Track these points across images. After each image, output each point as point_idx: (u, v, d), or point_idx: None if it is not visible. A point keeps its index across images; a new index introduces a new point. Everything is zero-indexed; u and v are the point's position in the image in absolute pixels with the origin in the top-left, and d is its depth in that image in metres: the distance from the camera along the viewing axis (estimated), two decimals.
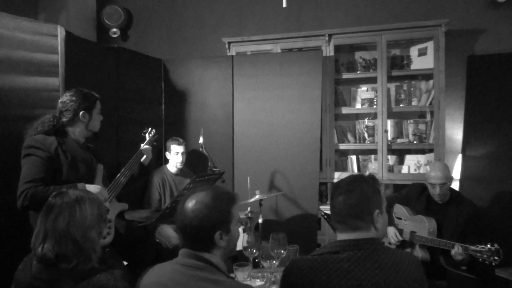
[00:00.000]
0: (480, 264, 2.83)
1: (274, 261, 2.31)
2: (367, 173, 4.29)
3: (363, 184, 1.66)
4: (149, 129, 3.42)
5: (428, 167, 3.32)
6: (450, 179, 3.19)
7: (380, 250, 1.59)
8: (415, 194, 3.36)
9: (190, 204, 1.60)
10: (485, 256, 2.77)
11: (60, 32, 3.24)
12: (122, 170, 2.92)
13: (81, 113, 2.68)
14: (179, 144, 3.99)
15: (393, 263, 1.56)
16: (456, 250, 2.88)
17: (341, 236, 1.64)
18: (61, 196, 1.76)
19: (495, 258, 2.73)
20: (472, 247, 2.82)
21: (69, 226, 1.69)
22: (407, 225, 3.26)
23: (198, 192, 1.65)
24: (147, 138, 3.32)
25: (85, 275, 1.65)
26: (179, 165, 4.00)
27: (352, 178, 1.70)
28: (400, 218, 3.34)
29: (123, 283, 1.66)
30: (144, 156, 3.24)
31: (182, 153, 3.99)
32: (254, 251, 2.40)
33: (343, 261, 1.54)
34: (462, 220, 3.10)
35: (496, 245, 2.76)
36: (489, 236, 3.06)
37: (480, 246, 2.80)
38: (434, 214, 3.18)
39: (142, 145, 3.25)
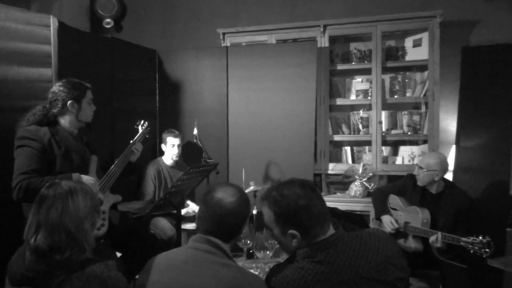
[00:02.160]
0: (467, 254, 2.87)
1: (268, 252, 2.32)
2: (361, 164, 4.31)
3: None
4: (142, 121, 3.39)
5: (440, 160, 3.35)
6: (429, 167, 3.20)
7: (347, 239, 1.57)
8: (410, 185, 3.38)
9: (226, 196, 1.68)
10: (476, 248, 2.80)
11: (53, 22, 3.21)
12: (116, 162, 2.92)
13: (69, 102, 2.65)
14: (175, 136, 3.98)
15: (366, 246, 1.55)
16: (433, 239, 2.94)
17: (315, 239, 1.56)
18: (54, 187, 1.76)
19: (486, 250, 2.77)
20: (464, 239, 2.85)
21: (62, 217, 1.69)
22: (401, 216, 3.29)
23: (225, 185, 1.74)
24: (140, 131, 3.30)
25: (79, 266, 1.65)
26: (175, 157, 4.00)
27: (290, 182, 1.64)
28: (395, 209, 3.36)
29: (116, 273, 1.66)
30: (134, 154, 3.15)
31: (178, 145, 3.99)
32: (248, 242, 2.41)
33: (319, 264, 1.50)
34: (454, 212, 3.13)
35: (487, 238, 2.79)
36: (481, 226, 3.08)
37: (472, 238, 2.83)
38: (429, 205, 3.21)
39: (134, 139, 3.20)
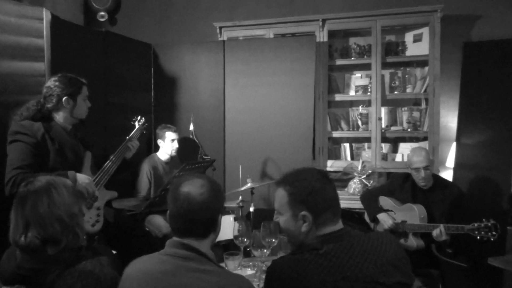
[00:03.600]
0: (467, 248, 2.89)
1: (265, 250, 2.32)
2: (360, 161, 4.32)
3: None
4: (139, 117, 3.39)
5: (409, 153, 3.38)
6: (432, 162, 3.25)
7: (355, 237, 1.59)
8: (398, 184, 3.41)
9: (194, 188, 1.61)
10: (482, 233, 2.81)
11: (46, 15, 3.20)
12: (111, 157, 2.91)
13: (64, 98, 2.65)
14: (174, 131, 4.00)
15: (372, 247, 1.56)
16: (437, 232, 2.95)
17: (325, 230, 1.60)
18: (32, 184, 1.76)
19: (493, 233, 2.78)
20: (468, 226, 2.87)
21: (51, 208, 1.70)
22: (397, 216, 3.30)
23: (191, 178, 1.66)
24: (136, 127, 3.30)
25: (72, 261, 1.66)
26: (174, 152, 4.01)
27: (316, 170, 1.68)
28: (387, 210, 3.36)
29: (110, 269, 1.67)
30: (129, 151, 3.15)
31: (177, 140, 4.00)
32: (245, 240, 2.41)
33: (323, 257, 1.51)
34: (448, 204, 3.16)
35: (492, 220, 2.80)
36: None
37: (476, 224, 2.84)
38: (421, 201, 3.23)
39: (130, 135, 3.20)
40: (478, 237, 2.83)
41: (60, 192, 1.75)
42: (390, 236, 1.66)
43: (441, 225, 2.97)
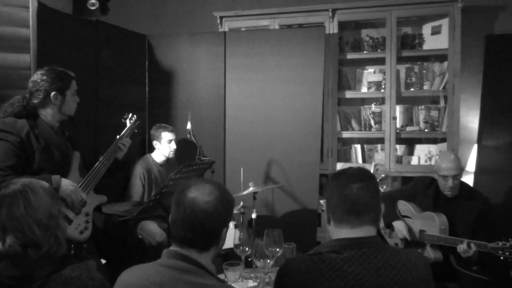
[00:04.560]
0: (491, 264, 2.87)
1: (268, 261, 2.32)
2: (372, 164, 4.32)
3: (373, 175, 1.73)
4: (130, 114, 3.39)
5: (437, 158, 3.34)
6: (462, 170, 3.22)
7: (383, 248, 1.60)
8: (421, 189, 3.37)
9: (201, 195, 1.60)
10: (507, 253, 2.79)
11: (32, 3, 3.21)
12: (101, 158, 2.92)
13: (52, 93, 2.66)
14: (171, 131, 3.99)
15: (398, 263, 1.57)
16: (464, 247, 2.92)
17: (342, 233, 1.63)
18: (7, 187, 1.76)
19: None
20: (491, 245, 2.85)
21: (28, 211, 1.71)
22: (415, 224, 3.28)
23: (200, 183, 1.66)
24: (127, 125, 3.30)
25: (57, 267, 1.66)
26: (171, 154, 4.00)
27: (360, 168, 1.73)
28: (406, 216, 3.35)
29: (98, 274, 1.68)
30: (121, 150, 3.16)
31: (174, 140, 4.00)
32: (247, 249, 2.41)
33: (343, 261, 1.54)
34: (474, 216, 3.12)
35: None
36: (503, 232, 3.09)
37: (501, 243, 2.83)
38: (443, 210, 3.20)
39: (121, 134, 3.20)
40: (501, 258, 2.82)
41: (37, 194, 1.75)
42: (420, 256, 1.67)
43: (466, 241, 2.93)
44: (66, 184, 2.54)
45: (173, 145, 3.99)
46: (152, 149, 4.10)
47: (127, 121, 3.35)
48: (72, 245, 2.50)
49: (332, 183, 1.71)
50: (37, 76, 2.68)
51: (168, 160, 4.05)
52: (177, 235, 1.62)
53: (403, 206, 3.38)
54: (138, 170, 3.89)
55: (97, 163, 2.88)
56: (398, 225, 3.29)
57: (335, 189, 1.68)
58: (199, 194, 1.60)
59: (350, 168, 1.73)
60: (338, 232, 1.65)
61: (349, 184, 1.64)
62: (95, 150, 3.71)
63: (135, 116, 3.40)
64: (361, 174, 1.68)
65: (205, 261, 1.60)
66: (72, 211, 2.61)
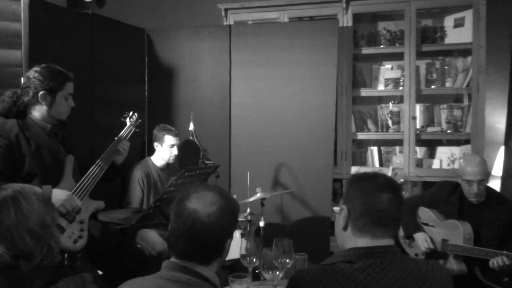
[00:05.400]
0: None
1: (277, 272, 2.31)
2: (390, 168, 4.30)
3: (400, 187, 1.72)
4: (130, 113, 3.39)
5: (462, 161, 3.32)
6: (489, 175, 3.19)
7: (401, 259, 1.60)
8: (444, 195, 3.35)
9: (202, 206, 1.59)
10: None
11: None
12: (97, 162, 2.92)
13: (41, 93, 2.66)
14: (175, 135, 3.98)
15: (417, 275, 1.56)
16: (499, 262, 2.88)
17: (360, 242, 1.63)
18: None
19: None
20: None
21: (20, 218, 1.70)
22: (437, 232, 3.27)
23: (201, 191, 1.64)
24: (127, 124, 3.30)
25: (50, 279, 1.67)
26: (172, 160, 4.00)
27: (389, 178, 1.73)
28: (427, 224, 3.33)
29: (94, 287, 1.68)
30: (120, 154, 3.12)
31: (177, 145, 3.99)
32: (254, 260, 2.40)
33: (358, 271, 1.54)
34: (502, 225, 3.10)
35: None
36: None
37: None
38: (468, 218, 3.18)
39: (120, 134, 3.20)
40: None
41: (30, 200, 1.75)
42: (442, 269, 1.66)
43: (502, 253, 2.90)
44: (57, 194, 2.54)
45: (175, 151, 3.98)
46: (152, 151, 4.11)
47: (127, 120, 3.34)
48: (66, 256, 2.50)
49: (355, 188, 1.69)
50: (31, 72, 2.70)
51: (169, 164, 4.06)
52: (176, 247, 1.62)
53: (425, 213, 3.36)
54: (137, 175, 3.89)
55: (93, 166, 2.87)
56: (419, 237, 3.27)
57: (360, 196, 1.65)
58: (200, 204, 1.59)
59: (375, 173, 1.71)
60: (355, 241, 1.64)
61: (378, 194, 1.63)
62: (91, 153, 3.73)
63: (136, 114, 3.39)
64: (390, 184, 1.67)
65: (208, 274, 1.60)
66: (65, 219, 2.62)
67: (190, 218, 1.57)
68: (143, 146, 4.49)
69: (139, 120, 3.39)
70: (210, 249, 1.60)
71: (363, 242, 1.62)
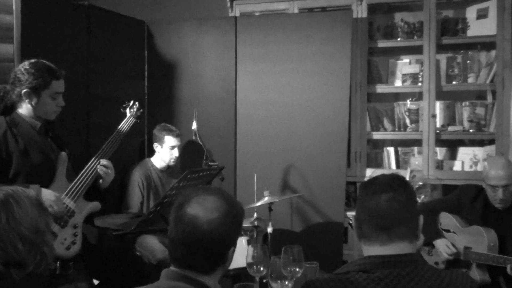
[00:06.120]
0: None
1: (286, 282, 2.31)
2: (408, 170, 4.29)
3: (406, 182, 1.68)
4: (131, 102, 3.37)
5: (485, 164, 3.30)
6: None
7: (422, 269, 1.58)
8: (468, 199, 3.34)
9: (203, 212, 1.57)
10: None
11: None
12: (93, 159, 2.92)
13: (24, 91, 2.65)
14: (176, 136, 3.98)
15: (439, 286, 1.55)
16: None
17: (373, 251, 1.61)
18: None
19: None
20: None
21: (11, 223, 1.70)
22: (459, 239, 3.26)
23: (203, 195, 1.63)
24: (128, 115, 3.29)
25: (43, 285, 1.67)
26: (172, 162, 4.01)
27: (391, 176, 1.69)
28: (448, 231, 3.32)
29: None
30: (102, 172, 2.94)
31: (178, 147, 4.00)
32: (262, 268, 2.40)
33: (374, 281, 1.53)
34: None
35: None
36: None
37: None
38: (493, 224, 3.17)
39: (120, 125, 3.19)
40: None
41: (22, 204, 1.75)
42: (467, 279, 1.64)
43: None
44: (46, 194, 2.55)
45: (176, 153, 3.99)
46: (152, 152, 4.12)
47: (127, 110, 3.33)
48: (58, 264, 2.50)
49: (358, 194, 1.70)
50: (19, 67, 2.69)
51: (169, 166, 4.06)
52: (174, 255, 1.61)
53: (446, 219, 3.35)
54: (136, 177, 3.90)
55: (88, 164, 2.87)
56: (440, 244, 3.27)
57: (359, 202, 1.67)
58: (201, 210, 1.57)
59: (381, 175, 1.70)
60: (369, 249, 1.63)
61: (375, 196, 1.62)
62: (87, 153, 3.73)
63: (137, 103, 3.37)
64: (390, 182, 1.65)
65: (211, 283, 1.59)
66: (56, 224, 2.62)
67: (190, 224, 1.56)
68: (143, 147, 4.49)
69: (141, 110, 3.37)
70: (211, 258, 1.59)
71: (375, 250, 1.61)
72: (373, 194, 1.62)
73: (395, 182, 1.65)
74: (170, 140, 3.97)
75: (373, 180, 1.70)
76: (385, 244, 1.60)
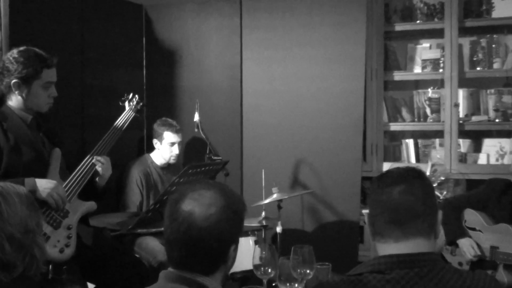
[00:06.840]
0: None
1: (296, 285, 2.31)
2: (429, 163, 4.27)
3: (422, 174, 1.66)
4: (130, 95, 3.38)
5: None
6: None
7: (441, 269, 1.57)
8: (494, 195, 3.34)
9: (199, 208, 1.56)
10: None
11: None
12: (88, 157, 2.92)
13: (13, 81, 2.66)
14: (175, 132, 3.98)
15: (462, 286, 1.54)
16: None
17: (388, 249, 1.60)
18: None
19: None
20: None
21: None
22: (485, 238, 3.25)
23: (198, 190, 1.62)
24: (126, 108, 3.29)
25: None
26: (172, 159, 4.01)
27: (406, 168, 1.68)
28: (473, 229, 3.32)
29: None
30: (99, 168, 2.96)
31: (179, 143, 3.99)
32: (270, 270, 2.40)
33: (389, 283, 1.51)
34: None
35: None
36: None
37: None
38: None
39: (118, 120, 3.19)
40: None
41: (11, 202, 1.76)
42: (492, 281, 1.62)
43: None
44: (43, 184, 2.55)
45: (176, 150, 3.98)
46: (151, 148, 4.12)
47: (126, 103, 3.34)
48: (50, 267, 2.50)
49: (371, 188, 1.69)
50: (7, 55, 2.71)
51: (169, 164, 4.06)
52: (171, 256, 1.60)
53: (471, 216, 3.35)
54: (134, 175, 3.91)
55: (83, 162, 2.88)
56: (464, 243, 3.28)
57: (372, 196, 1.66)
58: (197, 206, 1.56)
59: (395, 168, 1.69)
60: (383, 248, 1.61)
61: (387, 188, 1.61)
62: (82, 149, 3.74)
63: (137, 96, 3.38)
64: (405, 174, 1.64)
65: (213, 285, 1.58)
66: (49, 225, 2.62)
67: (185, 222, 1.55)
68: (142, 143, 4.49)
69: (141, 103, 3.37)
70: (210, 257, 1.59)
71: (390, 248, 1.59)
72: (386, 187, 1.60)
73: (410, 174, 1.63)
74: (169, 136, 3.96)
75: (386, 173, 1.69)
76: (399, 241, 1.58)
